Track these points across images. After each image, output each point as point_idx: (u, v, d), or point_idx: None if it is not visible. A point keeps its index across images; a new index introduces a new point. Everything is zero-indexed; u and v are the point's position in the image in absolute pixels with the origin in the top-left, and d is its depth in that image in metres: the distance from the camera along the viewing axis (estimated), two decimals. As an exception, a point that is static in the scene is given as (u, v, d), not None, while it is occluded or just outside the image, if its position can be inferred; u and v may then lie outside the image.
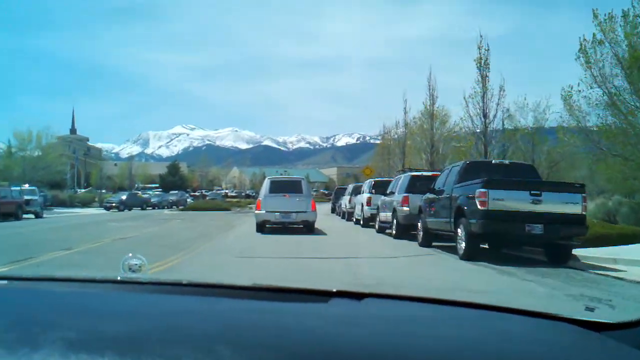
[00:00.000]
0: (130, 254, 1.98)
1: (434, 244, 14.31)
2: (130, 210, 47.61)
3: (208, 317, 1.31)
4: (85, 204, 55.12)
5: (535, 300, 2.73)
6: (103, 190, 69.08)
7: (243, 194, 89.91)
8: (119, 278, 1.65)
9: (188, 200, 62.93)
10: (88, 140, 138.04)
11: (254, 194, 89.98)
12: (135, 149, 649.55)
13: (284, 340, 1.13)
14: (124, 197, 49.82)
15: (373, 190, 22.70)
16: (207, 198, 67.80)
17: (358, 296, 1.44)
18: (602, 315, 1.51)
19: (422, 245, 14.40)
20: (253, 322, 1.26)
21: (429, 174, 17.70)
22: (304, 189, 19.41)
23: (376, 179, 24.43)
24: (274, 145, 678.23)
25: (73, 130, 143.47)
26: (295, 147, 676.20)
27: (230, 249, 13.37)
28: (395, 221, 17.16)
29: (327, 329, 1.24)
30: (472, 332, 1.29)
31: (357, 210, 25.04)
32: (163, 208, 53.03)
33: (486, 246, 12.49)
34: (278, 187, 19.26)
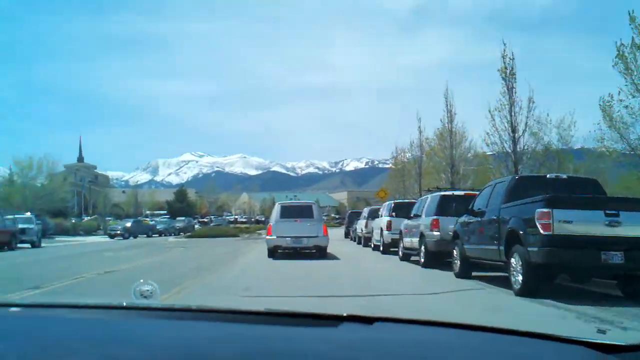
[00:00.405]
0: (142, 280, 1.98)
1: (473, 273, 12.18)
2: (135, 237, 46.02)
3: (220, 344, 1.31)
4: (89, 232, 53.41)
5: None
6: (110, 218, 67.27)
7: (253, 219, 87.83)
8: (124, 304, 1.64)
9: (195, 226, 60.97)
10: (96, 168, 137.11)
11: (263, 219, 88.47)
12: (145, 177, 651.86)
13: None
14: (128, 225, 48.24)
15: (393, 213, 20.58)
16: (212, 224, 65.44)
17: (369, 320, 1.42)
18: (614, 338, 1.43)
19: (459, 276, 12.23)
20: (265, 348, 1.28)
21: (461, 193, 15.52)
22: (315, 213, 18.94)
23: (397, 201, 22.20)
24: (283, 171, 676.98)
25: (80, 159, 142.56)
26: (304, 172, 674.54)
27: (234, 285, 11.27)
28: (423, 248, 15.01)
29: (338, 353, 1.26)
30: (484, 357, 1.30)
31: (376, 236, 22.88)
32: (170, 235, 51.02)
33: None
34: (289, 212, 18.84)
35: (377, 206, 29.62)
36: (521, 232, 9.17)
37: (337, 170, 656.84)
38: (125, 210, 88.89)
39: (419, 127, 36.12)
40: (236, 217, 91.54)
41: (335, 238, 36.02)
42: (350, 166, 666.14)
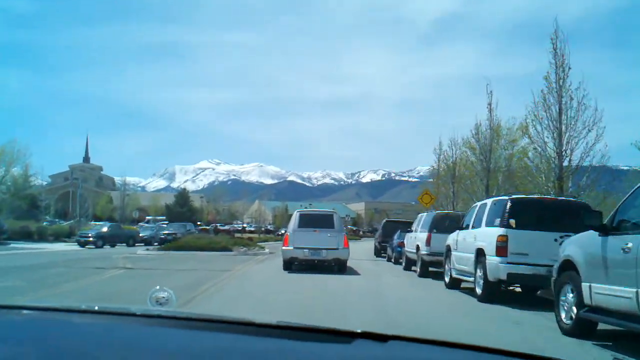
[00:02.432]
0: (158, 287, 2.03)
1: None
2: (113, 246, 36.58)
3: (231, 355, 1.31)
4: (59, 237, 43.68)
5: None
6: (92, 222, 57.51)
7: (262, 228, 77.93)
8: (139, 311, 1.62)
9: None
10: (102, 169, 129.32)
11: (273, 228, 78.91)
12: (162, 183, 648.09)
13: None
14: (104, 230, 38.65)
15: (512, 221, 10.24)
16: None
17: (382, 338, 1.38)
18: None
19: None
20: None
21: None
22: (335, 223, 17.61)
23: (514, 197, 11.09)
24: (299, 180, 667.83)
25: (86, 159, 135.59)
26: (320, 182, 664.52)
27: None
28: None
29: None
30: None
31: (462, 264, 12.44)
32: (157, 244, 40.96)
33: None
34: (308, 222, 17.53)
35: (436, 211, 19.24)
36: None
37: (353, 182, 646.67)
38: (125, 214, 79.73)
39: (489, 103, 23.99)
40: (244, 225, 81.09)
41: (362, 256, 26.13)
42: (367, 178, 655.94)
